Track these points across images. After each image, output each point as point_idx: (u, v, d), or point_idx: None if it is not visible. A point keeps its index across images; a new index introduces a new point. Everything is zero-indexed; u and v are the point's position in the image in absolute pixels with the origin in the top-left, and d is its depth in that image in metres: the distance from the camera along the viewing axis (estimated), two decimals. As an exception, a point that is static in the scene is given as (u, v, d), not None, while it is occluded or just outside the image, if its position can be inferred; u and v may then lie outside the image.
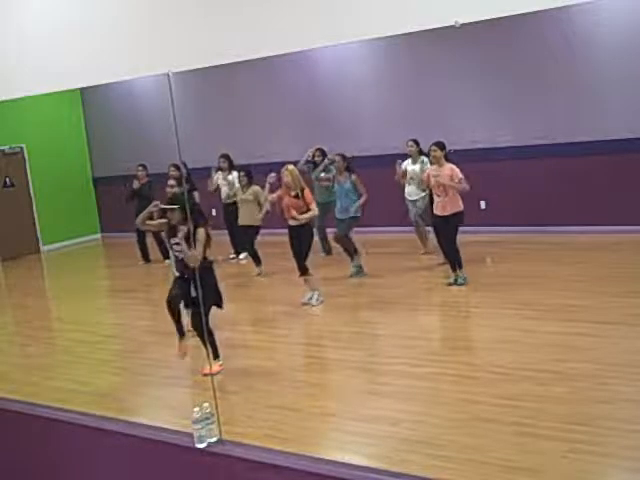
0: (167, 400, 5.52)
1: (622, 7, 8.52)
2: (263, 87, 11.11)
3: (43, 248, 12.74)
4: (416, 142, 8.68)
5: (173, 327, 5.95)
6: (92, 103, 13.42)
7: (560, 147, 9.11)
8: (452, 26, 3.72)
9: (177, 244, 5.74)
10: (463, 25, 3.71)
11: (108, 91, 12.26)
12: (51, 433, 5.40)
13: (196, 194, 9.23)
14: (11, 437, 5.69)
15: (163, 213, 5.89)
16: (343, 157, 8.34)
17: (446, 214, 7.57)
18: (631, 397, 4.65)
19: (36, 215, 12.76)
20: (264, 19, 4.43)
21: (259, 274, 8.84)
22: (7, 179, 12.50)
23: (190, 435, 4.59)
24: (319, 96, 10.86)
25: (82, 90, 12.52)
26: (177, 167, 9.33)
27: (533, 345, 5.66)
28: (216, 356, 5.76)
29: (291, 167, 7.51)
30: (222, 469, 4.53)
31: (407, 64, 9.99)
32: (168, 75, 4.65)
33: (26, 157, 12.69)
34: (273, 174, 8.00)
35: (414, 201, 8.75)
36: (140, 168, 10.42)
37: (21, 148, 12.62)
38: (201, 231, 5.69)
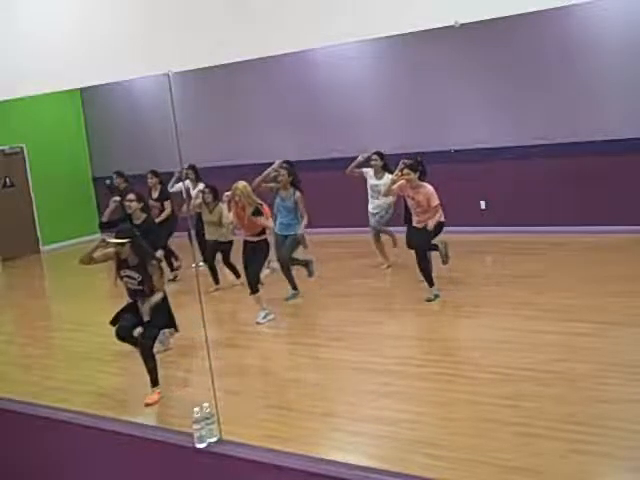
0: (167, 400, 5.52)
1: (622, 7, 8.51)
2: (263, 87, 11.10)
3: (43, 248, 12.74)
4: (380, 155, 8.39)
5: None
6: (92, 103, 13.42)
7: (560, 147, 9.11)
8: (452, 26, 3.71)
9: (128, 277, 5.62)
10: (463, 25, 3.71)
11: (108, 91, 12.24)
12: (51, 433, 5.40)
13: (167, 203, 8.98)
14: (11, 437, 5.69)
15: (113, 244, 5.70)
16: (289, 171, 7.68)
17: (426, 227, 7.20)
18: (631, 397, 4.65)
19: (36, 215, 12.76)
20: (264, 19, 4.43)
21: (242, 284, 8.13)
22: (7, 179, 12.50)
23: (190, 435, 4.59)
24: (319, 96, 10.86)
25: (82, 90, 12.51)
26: (155, 173, 9.16)
27: (533, 345, 5.66)
28: (155, 384, 5.50)
29: (242, 184, 7.08)
30: (222, 469, 4.53)
31: (407, 64, 9.99)
32: (168, 75, 4.65)
33: (26, 157, 12.69)
34: (228, 193, 7.37)
35: (377, 213, 8.43)
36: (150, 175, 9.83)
37: (21, 148, 12.62)
38: (153, 264, 5.61)
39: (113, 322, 5.74)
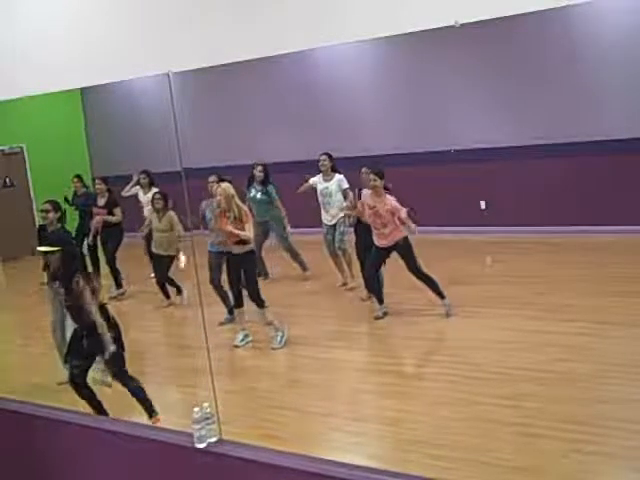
0: (167, 400, 5.52)
1: (622, 7, 8.51)
2: (263, 87, 11.10)
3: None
4: (329, 156, 7.94)
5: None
6: (92, 103, 13.42)
7: (560, 147, 9.11)
8: (452, 26, 3.71)
9: (57, 292, 5.28)
10: (463, 25, 3.71)
11: (108, 91, 12.23)
12: (51, 433, 5.39)
13: (117, 210, 8.74)
14: (11, 437, 5.69)
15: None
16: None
17: (392, 244, 6.92)
18: (631, 397, 4.65)
19: (36, 215, 12.74)
20: (264, 19, 4.43)
21: (180, 303, 7.94)
22: (7, 179, 12.49)
23: (190, 435, 4.59)
24: (319, 96, 10.86)
25: (82, 90, 12.50)
26: (104, 180, 8.99)
27: (533, 345, 5.66)
28: (150, 414, 5.24)
29: (224, 185, 6.59)
30: (222, 469, 4.53)
31: (407, 64, 9.98)
32: (168, 75, 4.65)
33: (26, 157, 12.68)
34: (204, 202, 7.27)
35: (333, 226, 7.94)
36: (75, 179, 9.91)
37: (21, 148, 12.61)
38: (79, 283, 5.09)
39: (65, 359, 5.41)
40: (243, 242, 6.46)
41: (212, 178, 7.32)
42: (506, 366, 5.30)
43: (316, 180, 8.03)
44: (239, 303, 6.63)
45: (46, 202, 6.49)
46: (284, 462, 4.25)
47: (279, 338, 6.51)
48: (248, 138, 11.24)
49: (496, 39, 8.81)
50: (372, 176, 6.93)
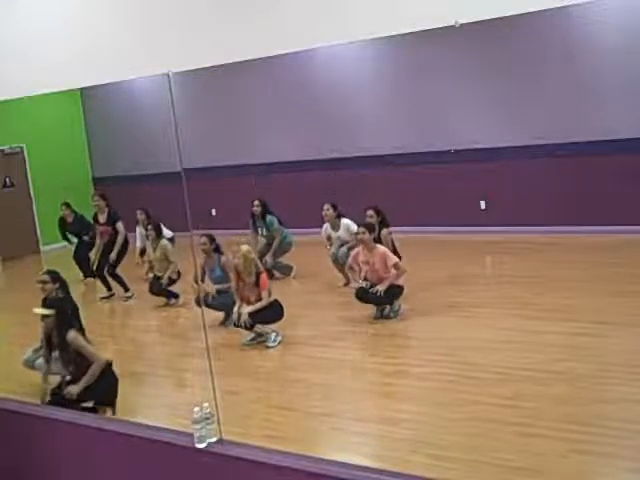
0: (167, 400, 5.52)
1: (622, 7, 8.51)
2: (263, 87, 11.10)
3: (43, 248, 12.72)
4: (334, 206, 8.17)
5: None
6: (92, 103, 13.42)
7: (560, 147, 9.11)
8: (452, 26, 3.71)
9: (56, 359, 5.37)
10: (463, 25, 3.71)
11: (108, 91, 12.24)
12: (51, 433, 5.40)
13: (120, 225, 8.79)
14: (10, 437, 5.69)
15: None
16: (211, 238, 7.35)
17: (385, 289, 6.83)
18: (631, 397, 4.65)
19: (36, 215, 12.75)
20: (264, 19, 4.43)
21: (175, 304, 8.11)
22: (7, 179, 12.49)
23: (190, 435, 4.59)
24: (319, 96, 10.86)
25: (82, 90, 12.51)
26: (103, 196, 8.98)
27: (533, 345, 5.66)
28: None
29: (246, 248, 6.61)
30: (222, 469, 4.53)
31: (407, 64, 9.99)
32: (168, 75, 4.65)
33: (26, 157, 12.68)
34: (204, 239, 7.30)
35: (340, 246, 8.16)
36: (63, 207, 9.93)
37: (21, 148, 12.62)
38: (71, 336, 5.24)
39: None
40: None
41: (203, 240, 7.33)
42: (506, 366, 5.30)
43: (329, 231, 8.29)
44: None
45: (45, 272, 6.45)
46: (284, 462, 4.25)
47: (273, 336, 6.52)
48: (248, 138, 11.24)
49: (496, 39, 8.82)
50: (361, 228, 7.00)
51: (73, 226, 9.80)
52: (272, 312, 6.51)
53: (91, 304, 8.92)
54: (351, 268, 7.30)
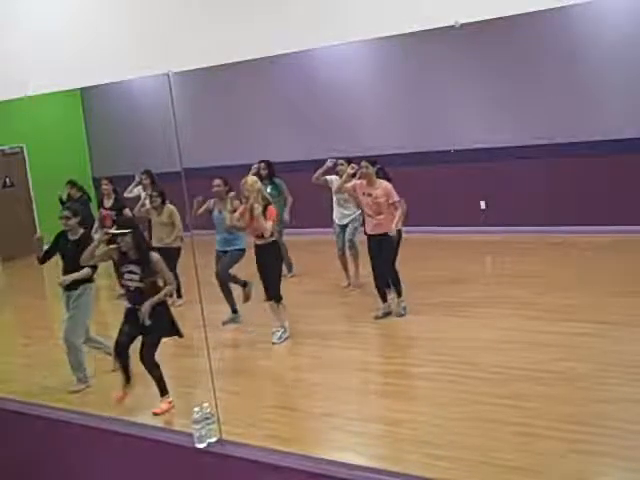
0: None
1: (622, 7, 8.52)
2: (263, 87, 11.11)
3: (43, 248, 12.71)
4: (348, 161, 7.63)
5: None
6: (92, 103, 13.43)
7: (560, 147, 9.12)
8: (452, 26, 3.72)
9: (130, 272, 5.38)
10: (463, 25, 3.72)
11: (108, 91, 12.26)
12: (51, 433, 5.40)
13: (126, 212, 8.61)
14: (11, 437, 5.69)
15: (110, 239, 5.49)
16: (225, 181, 7.32)
17: (381, 232, 6.75)
18: (631, 397, 4.65)
19: (36, 215, 12.75)
20: (264, 19, 4.43)
21: (179, 305, 7.75)
22: (7, 179, 12.50)
23: (190, 435, 4.59)
24: (319, 96, 10.86)
25: (82, 90, 12.53)
26: (110, 180, 8.91)
27: (533, 345, 5.66)
28: (164, 392, 5.35)
29: (251, 179, 6.68)
30: (222, 469, 4.53)
31: (407, 64, 9.99)
32: (168, 75, 4.65)
33: (26, 157, 12.69)
34: (199, 198, 7.29)
35: (344, 226, 7.95)
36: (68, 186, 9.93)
37: (21, 148, 12.62)
38: (155, 256, 5.38)
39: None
40: (264, 236, 6.55)
41: (217, 182, 7.35)
42: (506, 366, 5.30)
43: (333, 178, 7.97)
44: (268, 296, 6.64)
45: (65, 208, 6.71)
46: (284, 462, 4.26)
47: (279, 334, 6.52)
48: (248, 138, 11.25)
49: (496, 39, 8.83)
50: (364, 163, 6.86)
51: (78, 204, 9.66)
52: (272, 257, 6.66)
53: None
54: (350, 195, 7.18)
